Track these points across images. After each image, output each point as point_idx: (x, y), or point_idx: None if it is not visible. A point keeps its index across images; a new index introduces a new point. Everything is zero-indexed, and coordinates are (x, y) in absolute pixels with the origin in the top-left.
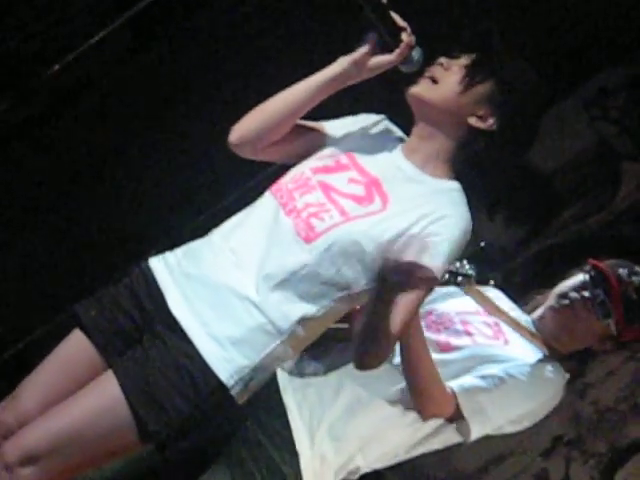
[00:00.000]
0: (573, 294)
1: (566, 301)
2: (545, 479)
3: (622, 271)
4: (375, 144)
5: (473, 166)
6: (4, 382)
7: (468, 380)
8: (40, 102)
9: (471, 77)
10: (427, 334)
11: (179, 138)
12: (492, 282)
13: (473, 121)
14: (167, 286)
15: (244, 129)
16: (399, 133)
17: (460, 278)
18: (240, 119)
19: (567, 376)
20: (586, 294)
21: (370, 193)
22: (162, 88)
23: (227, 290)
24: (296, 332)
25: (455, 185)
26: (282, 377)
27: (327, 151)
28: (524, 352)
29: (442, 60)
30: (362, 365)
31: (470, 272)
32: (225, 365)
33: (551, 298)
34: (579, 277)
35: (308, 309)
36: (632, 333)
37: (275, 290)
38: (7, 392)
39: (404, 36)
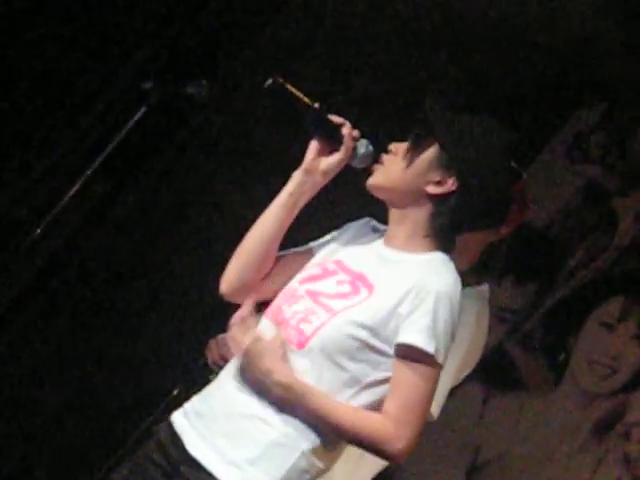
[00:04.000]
0: None
1: None
2: None
3: None
4: (359, 245)
5: (455, 228)
6: None
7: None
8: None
9: (412, 149)
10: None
11: (185, 270)
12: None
13: (431, 189)
14: (185, 431)
15: (230, 277)
16: (383, 228)
17: None
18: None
19: (485, 287)
20: None
21: (356, 287)
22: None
23: (236, 415)
24: (316, 441)
25: (437, 255)
26: None
27: (313, 261)
28: None
29: (391, 146)
30: (395, 460)
31: None
32: None
33: None
34: None
35: None
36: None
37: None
38: None
39: (344, 130)
